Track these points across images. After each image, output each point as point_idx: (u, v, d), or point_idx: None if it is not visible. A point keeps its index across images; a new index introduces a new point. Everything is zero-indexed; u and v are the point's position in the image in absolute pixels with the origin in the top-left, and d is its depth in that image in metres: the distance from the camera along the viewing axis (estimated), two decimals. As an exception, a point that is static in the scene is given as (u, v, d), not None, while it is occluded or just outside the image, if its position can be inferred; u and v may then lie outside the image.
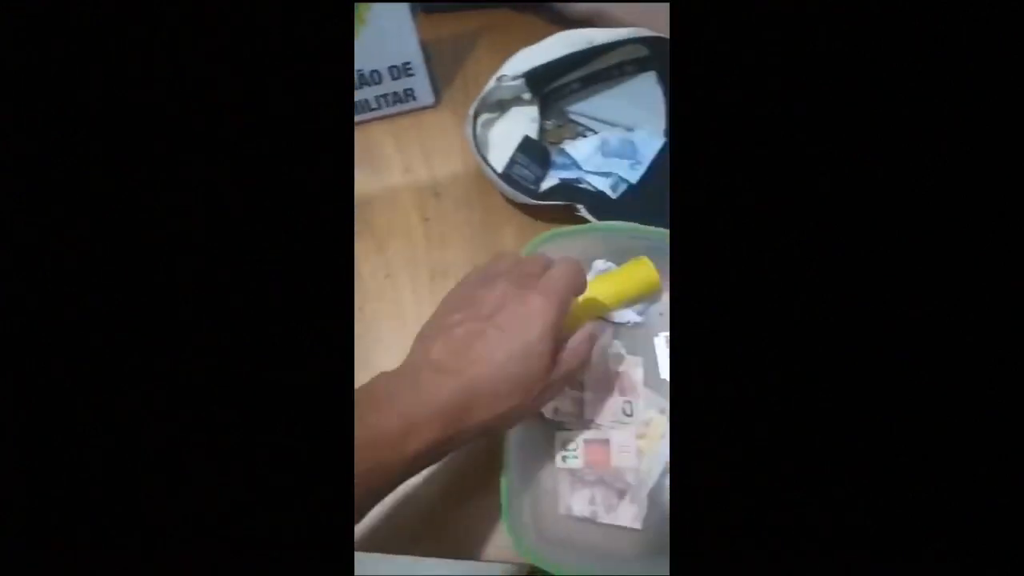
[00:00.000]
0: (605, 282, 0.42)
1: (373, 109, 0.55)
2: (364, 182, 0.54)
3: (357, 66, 0.51)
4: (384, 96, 0.54)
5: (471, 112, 0.48)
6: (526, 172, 0.49)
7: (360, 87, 0.53)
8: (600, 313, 0.42)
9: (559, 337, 0.31)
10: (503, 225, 0.51)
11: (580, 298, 0.37)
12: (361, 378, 0.38)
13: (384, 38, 0.49)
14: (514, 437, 0.39)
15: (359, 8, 0.47)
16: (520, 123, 0.52)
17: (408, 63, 0.52)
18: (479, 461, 0.42)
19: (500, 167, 0.49)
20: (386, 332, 0.47)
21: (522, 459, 0.40)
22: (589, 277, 0.46)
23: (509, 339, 0.30)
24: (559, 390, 0.33)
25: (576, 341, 0.33)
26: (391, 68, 0.52)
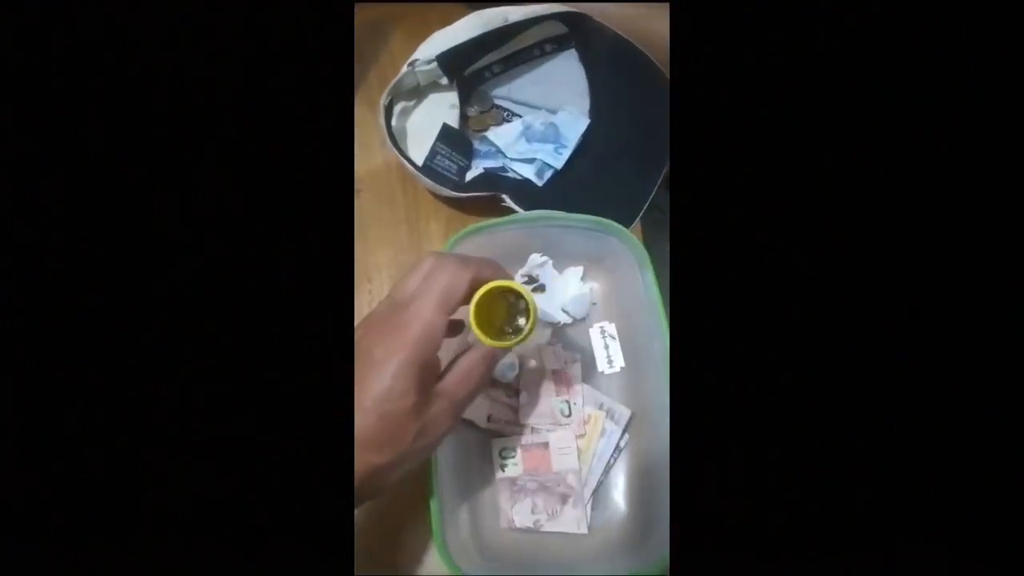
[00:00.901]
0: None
1: (280, 104, 0.51)
2: (276, 184, 0.50)
3: (255, 58, 0.46)
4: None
5: (383, 102, 0.44)
6: (448, 163, 0.46)
7: (262, 81, 0.48)
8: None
9: (426, 369, 0.26)
10: (429, 220, 0.48)
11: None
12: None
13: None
14: (447, 449, 0.36)
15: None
16: (439, 110, 0.48)
17: (312, 52, 0.48)
18: (415, 478, 0.39)
19: (421, 159, 0.45)
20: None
21: (458, 472, 0.37)
22: (525, 270, 0.43)
23: (359, 390, 0.25)
24: (446, 427, 0.27)
25: (463, 366, 0.28)
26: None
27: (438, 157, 0.46)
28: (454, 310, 0.28)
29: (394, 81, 0.45)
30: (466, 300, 0.28)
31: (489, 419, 0.40)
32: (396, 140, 0.45)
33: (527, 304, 0.30)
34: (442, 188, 0.45)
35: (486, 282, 0.28)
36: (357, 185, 0.50)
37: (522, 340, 0.30)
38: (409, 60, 0.46)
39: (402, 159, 0.45)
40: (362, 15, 0.60)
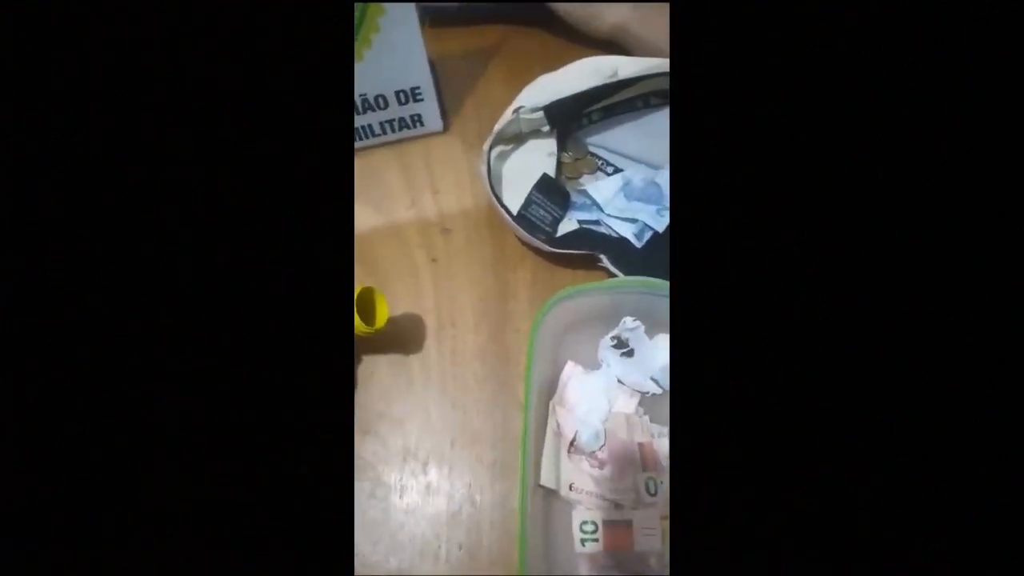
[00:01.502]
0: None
1: (377, 135, 0.51)
2: (366, 215, 0.50)
3: (361, 90, 0.47)
4: (390, 122, 0.50)
5: (487, 148, 0.44)
6: (543, 213, 0.45)
7: (364, 112, 0.48)
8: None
9: None
10: (517, 267, 0.47)
11: None
12: (360, 444, 0.33)
13: (391, 61, 0.45)
14: (534, 518, 0.35)
15: (364, 30, 0.42)
16: (537, 157, 0.48)
17: (417, 88, 0.48)
18: (497, 537, 0.38)
19: (514, 204, 0.45)
20: (388, 388, 0.43)
21: (540, 541, 0.36)
22: (615, 332, 0.42)
23: None
24: None
25: None
26: (398, 93, 0.48)
27: (533, 206, 0.45)
28: None
29: (499, 127, 0.44)
30: None
31: (571, 488, 0.39)
32: (494, 186, 0.44)
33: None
34: (535, 240, 0.44)
35: None
36: (447, 225, 0.49)
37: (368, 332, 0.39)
38: (514, 106, 0.45)
39: (499, 207, 0.44)
40: (457, 41, 0.59)
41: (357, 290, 0.39)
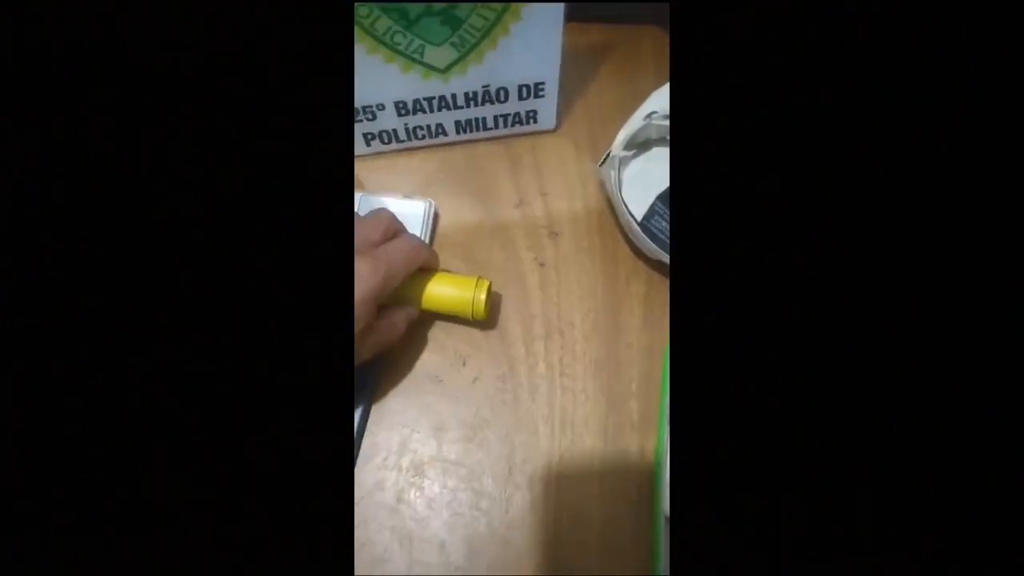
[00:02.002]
0: (443, 282, 0.41)
1: (488, 128, 0.49)
2: (472, 211, 0.48)
3: (485, 81, 0.45)
4: (504, 116, 0.48)
5: (618, 152, 0.42)
6: (665, 224, 0.43)
7: (482, 104, 0.46)
8: (425, 304, 0.41)
9: (379, 302, 0.35)
10: (630, 279, 0.45)
11: (420, 280, 0.40)
12: (464, 452, 0.32)
13: (525, 53, 0.43)
14: (662, 546, 0.34)
15: (505, 17, 0.40)
16: (660, 166, 0.46)
17: (541, 84, 0.46)
18: (613, 561, 0.36)
19: (636, 214, 0.43)
20: (493, 394, 0.41)
21: (662, 570, 0.35)
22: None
23: None
24: (370, 354, 0.37)
25: (394, 315, 0.38)
26: (521, 87, 0.46)
27: (655, 217, 0.43)
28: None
29: (628, 133, 0.43)
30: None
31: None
32: (621, 193, 0.43)
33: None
34: (659, 251, 0.42)
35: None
36: (555, 228, 0.47)
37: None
38: (647, 111, 0.43)
39: (625, 212, 0.42)
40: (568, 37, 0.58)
41: (469, 279, 0.41)
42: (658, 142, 0.46)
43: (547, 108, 0.48)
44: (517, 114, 0.48)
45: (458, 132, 0.49)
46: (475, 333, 0.44)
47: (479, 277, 0.41)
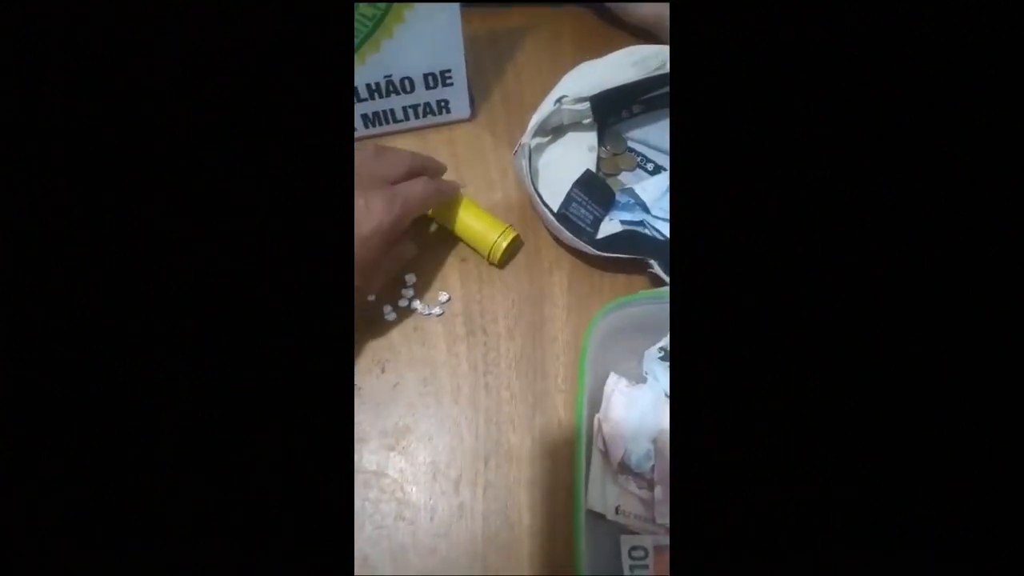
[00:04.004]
0: (469, 211, 0.44)
1: (399, 121, 0.48)
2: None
3: (386, 71, 0.44)
4: (415, 107, 0.47)
5: (527, 140, 0.41)
6: (584, 212, 0.43)
7: (387, 95, 0.45)
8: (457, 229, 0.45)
9: (391, 238, 0.37)
10: (553, 270, 0.45)
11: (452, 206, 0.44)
12: (386, 462, 0.31)
13: (424, 41, 0.42)
14: (587, 550, 0.34)
15: (398, 5, 0.39)
16: (576, 152, 0.46)
17: (448, 71, 0.45)
18: (538, 562, 0.36)
19: (552, 202, 0.42)
20: (415, 401, 0.41)
21: (585, 565, 0.35)
22: (663, 343, 0.41)
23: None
24: (377, 287, 0.41)
25: (397, 250, 0.40)
26: (427, 76, 0.45)
27: (573, 205, 0.43)
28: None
29: (539, 119, 0.42)
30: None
31: (617, 511, 0.37)
32: (534, 181, 0.42)
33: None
34: (579, 243, 0.42)
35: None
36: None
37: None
38: (556, 95, 0.43)
39: (539, 204, 0.42)
40: (482, 23, 0.57)
41: (499, 223, 0.44)
42: (573, 127, 0.46)
43: (459, 96, 0.48)
44: (428, 104, 0.47)
45: (367, 126, 0.48)
46: (394, 336, 0.43)
47: (509, 226, 0.44)
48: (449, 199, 0.43)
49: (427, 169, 0.42)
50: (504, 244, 0.43)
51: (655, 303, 0.38)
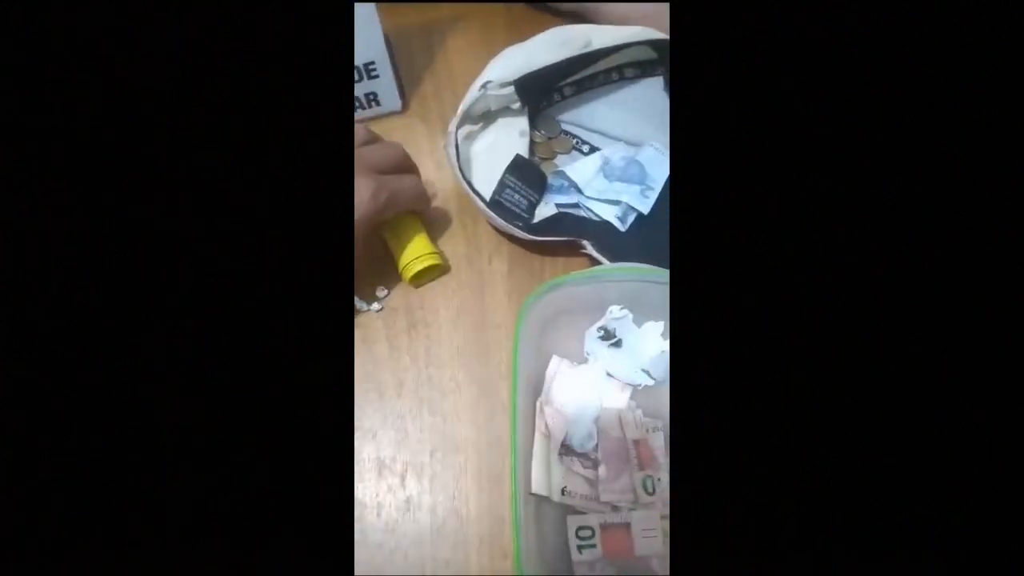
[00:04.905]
0: (404, 223, 0.43)
1: (328, 117, 0.48)
2: (321, 207, 0.47)
3: (308, 68, 0.43)
4: (342, 102, 0.47)
5: (453, 128, 0.41)
6: (518, 197, 0.43)
7: (312, 92, 0.45)
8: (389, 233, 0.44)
9: (369, 229, 0.38)
10: (492, 258, 0.45)
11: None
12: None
13: (342, 35, 0.42)
14: (528, 527, 0.34)
15: None
16: (507, 137, 0.46)
17: (371, 63, 0.45)
18: (487, 551, 0.37)
19: (486, 189, 0.43)
20: (356, 392, 0.41)
21: (537, 551, 0.35)
22: (601, 323, 0.41)
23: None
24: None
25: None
26: (351, 70, 0.45)
27: (507, 191, 0.43)
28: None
29: (466, 105, 0.42)
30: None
31: (564, 492, 0.37)
32: (463, 170, 0.42)
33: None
34: (511, 227, 0.42)
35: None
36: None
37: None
38: (481, 81, 0.43)
39: (470, 192, 0.42)
40: (412, 15, 0.57)
41: (425, 249, 0.43)
42: (504, 113, 0.46)
43: (387, 89, 0.47)
44: (356, 98, 0.47)
45: (296, 125, 0.47)
46: (332, 335, 0.43)
47: (436, 254, 0.43)
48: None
49: (414, 168, 0.42)
50: (417, 268, 0.42)
51: (591, 283, 0.39)
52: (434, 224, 0.46)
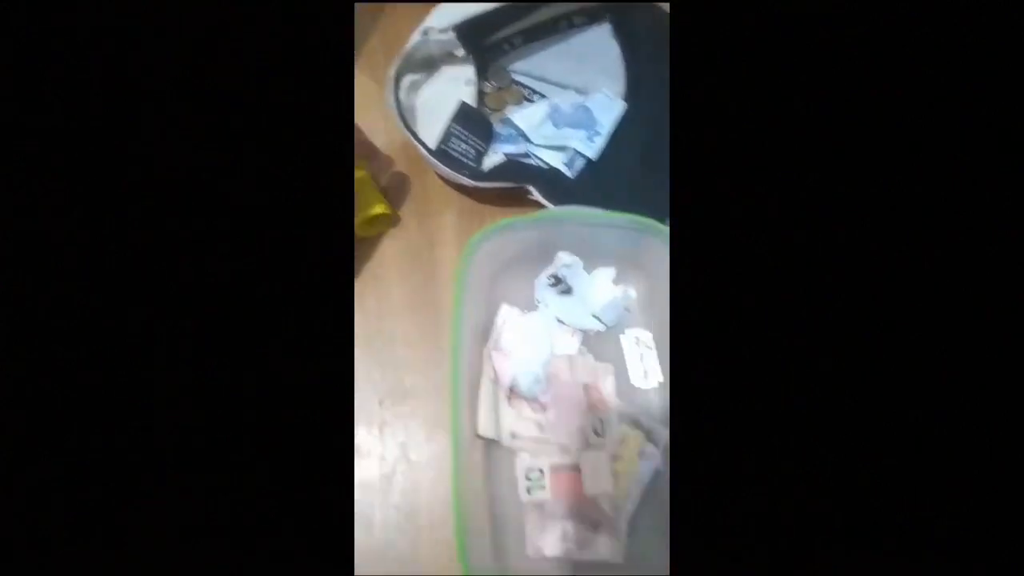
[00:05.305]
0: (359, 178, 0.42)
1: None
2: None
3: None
4: (283, 55, 0.46)
5: (392, 73, 0.41)
6: (465, 146, 0.43)
7: (251, 44, 0.44)
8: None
9: None
10: (443, 211, 0.45)
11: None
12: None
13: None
14: (471, 469, 0.34)
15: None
16: (453, 86, 0.45)
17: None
18: (436, 495, 0.37)
19: (433, 140, 0.42)
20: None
21: (482, 494, 0.35)
22: (551, 270, 0.41)
23: None
24: None
25: None
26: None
27: (453, 140, 0.43)
28: None
29: (405, 50, 0.41)
30: None
31: (513, 436, 0.37)
32: (406, 119, 0.42)
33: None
34: (458, 176, 0.41)
35: None
36: (361, 167, 0.46)
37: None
38: (422, 27, 0.42)
39: (414, 141, 0.41)
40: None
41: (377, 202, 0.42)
42: (449, 61, 0.45)
43: (330, 41, 0.46)
44: (298, 52, 0.46)
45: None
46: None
47: (385, 204, 0.42)
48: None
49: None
50: (366, 216, 0.41)
51: (538, 227, 0.39)
52: (383, 176, 0.46)
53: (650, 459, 0.37)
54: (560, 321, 0.41)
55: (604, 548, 0.35)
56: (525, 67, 0.49)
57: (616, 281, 0.42)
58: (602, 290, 0.41)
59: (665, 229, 0.37)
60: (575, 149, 0.43)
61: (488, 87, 0.48)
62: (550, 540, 0.35)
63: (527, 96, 0.48)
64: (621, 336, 0.41)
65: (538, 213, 0.39)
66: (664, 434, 0.37)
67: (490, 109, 0.48)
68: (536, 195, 0.40)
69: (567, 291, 0.41)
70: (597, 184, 0.42)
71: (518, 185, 0.41)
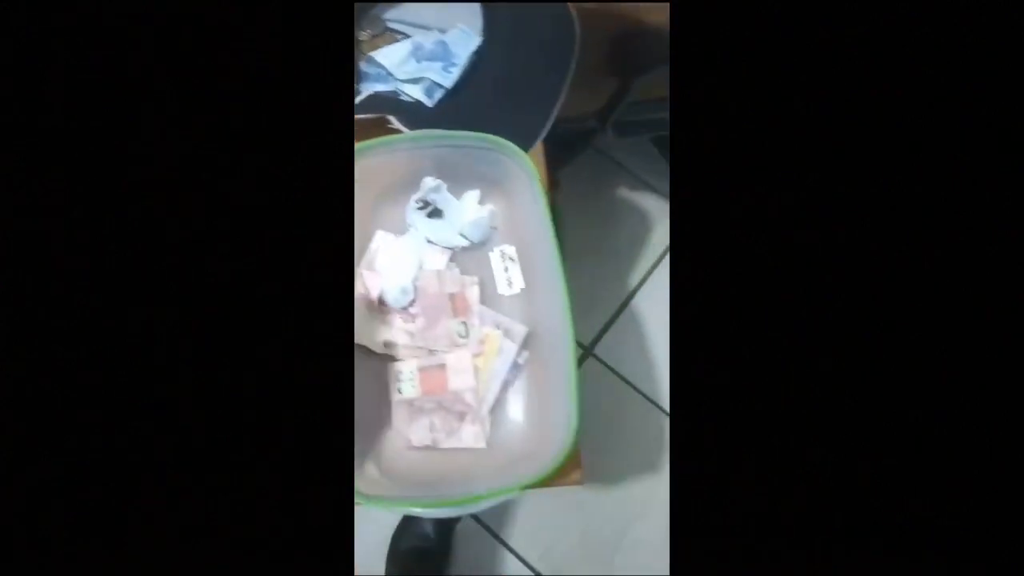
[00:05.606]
0: None
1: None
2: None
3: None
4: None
5: None
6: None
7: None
8: None
9: None
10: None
11: None
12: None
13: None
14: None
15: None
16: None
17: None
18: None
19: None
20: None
21: (357, 397, 0.39)
22: (420, 195, 0.44)
23: None
24: None
25: None
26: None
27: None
28: None
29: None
30: None
31: (385, 345, 0.41)
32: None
33: None
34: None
35: None
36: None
37: None
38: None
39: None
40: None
41: None
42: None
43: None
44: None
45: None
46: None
47: None
48: None
49: None
50: None
51: (397, 150, 0.41)
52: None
53: (507, 353, 0.40)
54: (430, 241, 0.44)
55: (468, 436, 0.39)
56: (399, 14, 0.51)
57: (482, 202, 0.45)
58: (469, 210, 0.44)
59: (519, 151, 0.40)
60: (432, 79, 0.46)
61: (363, 35, 0.51)
62: (418, 431, 0.39)
63: (400, 41, 0.51)
64: (489, 252, 0.44)
65: (396, 136, 0.42)
66: (521, 330, 0.41)
67: (365, 55, 0.50)
68: (395, 124, 0.43)
69: (437, 214, 0.44)
70: (456, 114, 0.45)
71: (379, 115, 0.44)
